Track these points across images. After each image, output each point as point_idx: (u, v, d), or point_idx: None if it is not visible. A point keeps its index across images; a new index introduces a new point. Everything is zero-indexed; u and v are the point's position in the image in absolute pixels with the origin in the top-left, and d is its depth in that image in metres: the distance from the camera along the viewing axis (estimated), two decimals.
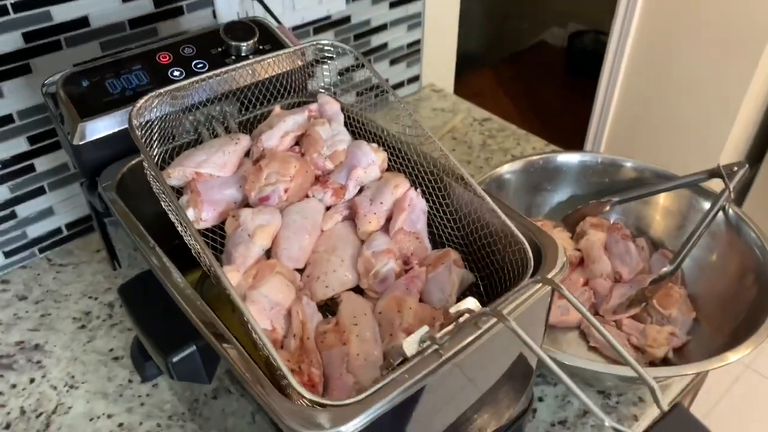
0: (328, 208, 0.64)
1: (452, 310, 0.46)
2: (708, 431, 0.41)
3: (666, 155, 2.19)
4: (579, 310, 0.44)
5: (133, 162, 0.64)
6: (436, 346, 0.45)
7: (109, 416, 0.77)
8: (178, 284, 0.51)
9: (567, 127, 2.66)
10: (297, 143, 0.67)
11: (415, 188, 0.63)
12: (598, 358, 0.80)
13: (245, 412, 0.56)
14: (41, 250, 0.98)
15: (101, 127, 0.62)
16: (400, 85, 1.36)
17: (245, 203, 0.63)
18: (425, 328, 0.45)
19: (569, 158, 0.92)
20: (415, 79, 1.37)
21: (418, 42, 1.32)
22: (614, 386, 0.70)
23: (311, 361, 0.47)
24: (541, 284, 0.48)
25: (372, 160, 0.64)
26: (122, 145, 0.63)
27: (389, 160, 0.66)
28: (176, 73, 0.67)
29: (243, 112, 0.71)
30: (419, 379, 0.43)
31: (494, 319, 0.46)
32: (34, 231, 0.96)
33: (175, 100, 0.62)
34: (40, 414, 0.78)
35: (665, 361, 0.78)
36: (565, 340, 0.83)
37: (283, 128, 0.66)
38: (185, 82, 0.59)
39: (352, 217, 0.63)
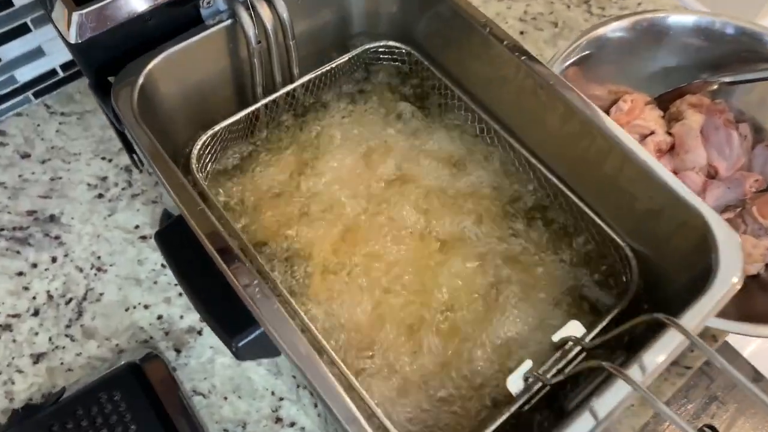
0: None
1: (555, 337, 0.38)
2: None
3: None
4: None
5: (156, 61, 0.48)
6: (540, 383, 0.38)
7: (146, 306, 0.71)
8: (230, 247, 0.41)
9: None
10: None
11: None
12: None
13: None
14: (36, 95, 0.84)
15: (102, 17, 0.45)
16: None
17: None
18: (528, 363, 0.38)
19: (681, 19, 0.75)
20: None
21: None
22: None
23: None
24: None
25: None
26: (132, 35, 0.47)
27: None
28: None
29: None
30: None
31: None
32: (24, 74, 0.80)
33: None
34: (70, 300, 0.71)
35: (755, 278, 0.71)
36: None
37: None
38: (241, 114, 0.53)
39: None
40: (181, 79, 0.50)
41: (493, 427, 0.38)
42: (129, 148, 0.58)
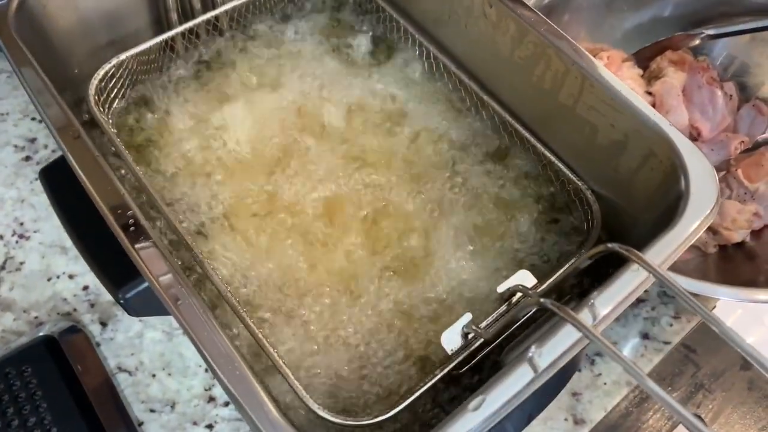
0: None
1: (500, 288, 0.33)
2: None
3: None
4: None
5: None
6: (481, 339, 0.32)
7: (71, 276, 0.65)
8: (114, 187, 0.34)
9: None
10: None
11: None
12: None
13: None
14: None
15: None
16: None
17: None
18: (467, 317, 0.32)
19: None
20: None
21: None
22: None
23: None
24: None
25: None
26: None
27: None
28: None
29: None
30: None
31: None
32: None
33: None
34: None
35: (740, 246, 0.65)
36: None
37: None
38: (152, 43, 0.45)
39: None
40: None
41: (424, 389, 0.32)
42: None
